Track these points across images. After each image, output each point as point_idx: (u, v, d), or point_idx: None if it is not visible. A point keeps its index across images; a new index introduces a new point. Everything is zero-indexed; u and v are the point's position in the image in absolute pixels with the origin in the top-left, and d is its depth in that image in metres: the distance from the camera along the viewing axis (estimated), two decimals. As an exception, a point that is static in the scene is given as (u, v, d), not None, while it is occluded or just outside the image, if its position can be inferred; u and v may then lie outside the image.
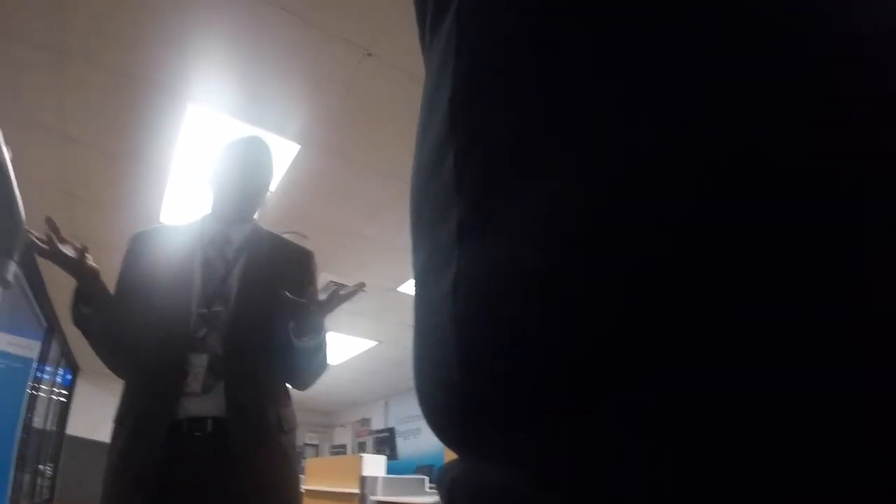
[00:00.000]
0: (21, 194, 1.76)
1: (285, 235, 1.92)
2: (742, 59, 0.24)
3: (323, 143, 3.89)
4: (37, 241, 1.49)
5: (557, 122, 0.30)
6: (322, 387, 1.88)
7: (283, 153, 3.93)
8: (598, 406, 0.26)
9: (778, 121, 0.23)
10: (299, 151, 3.97)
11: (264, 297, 1.60)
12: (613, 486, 0.25)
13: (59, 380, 8.48)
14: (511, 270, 0.30)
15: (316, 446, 13.68)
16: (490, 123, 0.34)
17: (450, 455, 0.35)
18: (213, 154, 1.92)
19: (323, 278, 1.94)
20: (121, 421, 1.58)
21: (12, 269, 1.73)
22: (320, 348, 1.73)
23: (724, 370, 0.23)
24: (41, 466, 7.78)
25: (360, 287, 1.64)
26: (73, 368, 9.34)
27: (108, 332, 1.65)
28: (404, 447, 10.69)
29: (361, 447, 12.10)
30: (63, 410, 9.10)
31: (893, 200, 0.21)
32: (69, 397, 9.33)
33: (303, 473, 6.63)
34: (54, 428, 8.60)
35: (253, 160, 1.84)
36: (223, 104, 3.55)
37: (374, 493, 5.74)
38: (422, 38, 0.49)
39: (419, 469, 8.47)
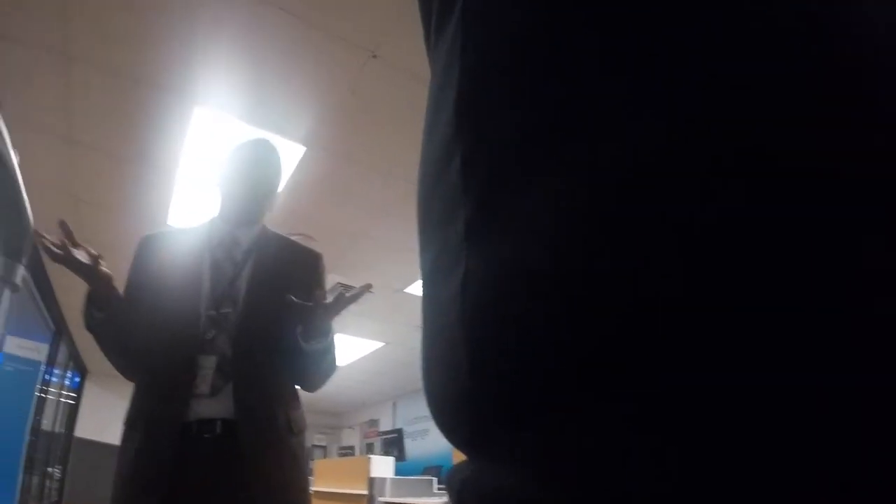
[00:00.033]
0: (28, 198, 1.76)
1: (292, 237, 1.93)
2: (747, 58, 0.24)
3: (329, 144, 3.90)
4: (51, 247, 1.49)
5: (563, 120, 0.30)
6: (330, 388, 1.88)
7: (289, 155, 3.93)
8: (603, 405, 0.26)
9: (783, 119, 0.23)
10: (305, 153, 3.98)
11: (273, 299, 1.60)
12: (619, 485, 0.25)
13: (67, 382, 8.51)
14: (518, 269, 0.30)
15: (324, 448, 13.69)
16: (496, 123, 0.34)
17: (458, 456, 0.35)
18: (221, 156, 1.93)
19: (330, 280, 1.94)
20: (131, 424, 1.58)
21: (21, 272, 1.73)
22: (328, 351, 1.73)
23: (729, 369, 0.23)
24: (50, 469, 7.82)
25: (367, 288, 1.64)
26: (82, 371, 9.38)
27: (119, 336, 1.65)
28: (412, 448, 10.68)
29: (369, 448, 12.09)
30: (72, 413, 9.13)
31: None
32: (78, 399, 9.36)
33: (311, 475, 6.64)
34: (63, 430, 8.63)
35: (261, 162, 1.84)
36: (229, 107, 3.55)
37: (382, 495, 5.75)
38: (427, 38, 0.49)
39: (427, 470, 8.47)
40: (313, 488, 6.32)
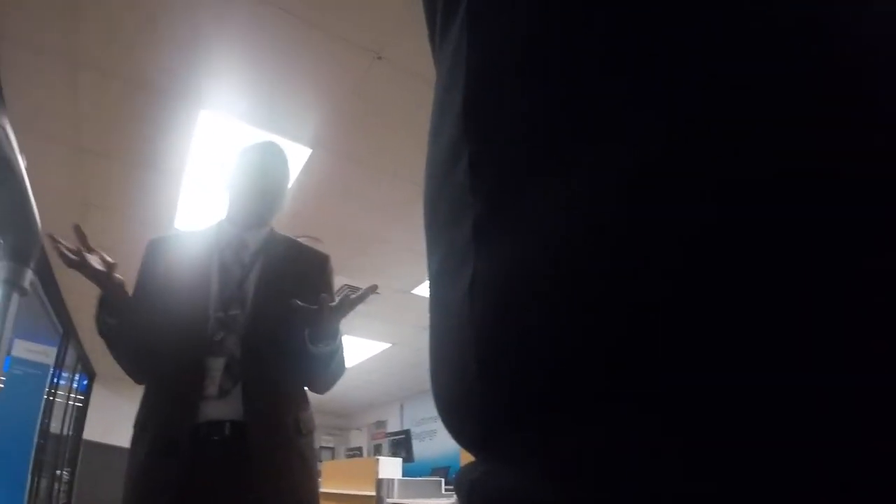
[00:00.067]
0: (35, 202, 1.77)
1: (299, 239, 1.93)
2: (747, 58, 0.24)
3: (334, 146, 3.90)
4: (67, 253, 1.50)
5: (564, 121, 0.30)
6: (337, 389, 1.88)
7: (295, 157, 3.93)
8: (608, 405, 0.26)
9: (783, 119, 0.23)
10: (311, 155, 3.98)
11: (281, 301, 1.60)
12: (625, 485, 0.25)
13: (75, 385, 8.54)
14: (524, 270, 0.30)
15: (332, 449, 13.72)
16: (503, 123, 0.34)
17: (466, 457, 0.35)
18: (229, 159, 1.93)
19: (337, 282, 1.94)
20: (141, 426, 1.59)
21: (29, 276, 1.74)
22: (336, 353, 1.72)
23: (730, 369, 0.23)
24: (58, 471, 7.84)
25: (373, 289, 1.64)
26: (90, 373, 9.40)
27: (130, 341, 1.66)
28: (420, 449, 10.69)
29: (377, 449, 12.12)
30: (80, 415, 9.15)
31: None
32: (86, 402, 9.39)
33: (319, 476, 6.65)
34: (71, 433, 8.65)
35: (269, 165, 1.85)
36: (235, 110, 3.56)
37: (390, 496, 5.76)
38: (431, 39, 0.49)
39: (435, 471, 8.49)
40: (321, 490, 6.33)
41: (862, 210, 0.21)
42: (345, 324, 1.71)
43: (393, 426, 12.04)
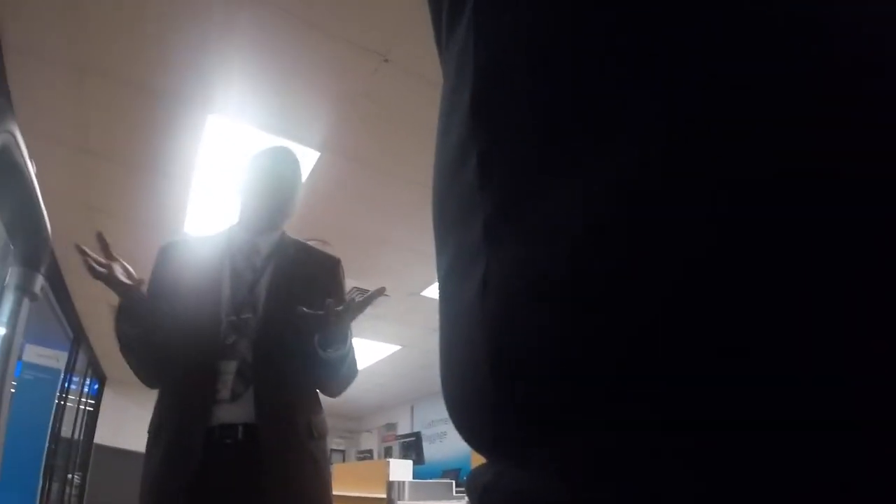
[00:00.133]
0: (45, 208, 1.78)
1: (310, 243, 1.94)
2: (748, 58, 0.25)
3: (343, 149, 3.91)
4: (94, 266, 1.51)
5: (566, 120, 0.30)
6: (347, 392, 1.89)
7: (304, 161, 3.91)
8: (621, 406, 0.26)
9: (783, 119, 0.23)
10: (319, 159, 3.99)
11: (292, 305, 1.60)
12: (636, 486, 0.25)
13: (86, 389, 8.58)
14: (534, 270, 0.30)
15: (342, 452, 13.73)
16: (511, 122, 0.34)
17: (477, 459, 0.35)
18: (241, 164, 1.95)
19: (346, 284, 1.94)
20: (156, 432, 1.60)
21: (40, 281, 1.75)
22: (347, 357, 1.72)
23: (730, 369, 0.23)
24: (70, 475, 7.88)
25: (381, 292, 1.64)
26: (100, 378, 9.44)
27: (152, 349, 1.66)
28: (431, 451, 10.69)
29: (388, 452, 12.13)
30: (91, 420, 9.19)
31: None
32: (96, 406, 9.43)
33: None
34: (82, 437, 8.69)
35: (280, 170, 1.86)
36: (242, 114, 3.57)
37: (401, 498, 5.76)
38: (437, 39, 0.49)
39: (446, 473, 8.49)
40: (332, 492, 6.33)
41: (862, 210, 0.21)
42: (354, 327, 1.72)
43: (403, 428, 12.04)
